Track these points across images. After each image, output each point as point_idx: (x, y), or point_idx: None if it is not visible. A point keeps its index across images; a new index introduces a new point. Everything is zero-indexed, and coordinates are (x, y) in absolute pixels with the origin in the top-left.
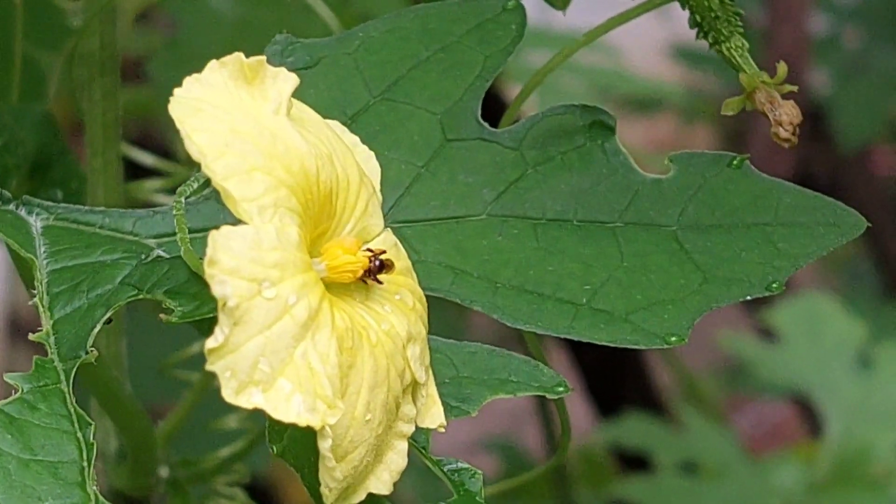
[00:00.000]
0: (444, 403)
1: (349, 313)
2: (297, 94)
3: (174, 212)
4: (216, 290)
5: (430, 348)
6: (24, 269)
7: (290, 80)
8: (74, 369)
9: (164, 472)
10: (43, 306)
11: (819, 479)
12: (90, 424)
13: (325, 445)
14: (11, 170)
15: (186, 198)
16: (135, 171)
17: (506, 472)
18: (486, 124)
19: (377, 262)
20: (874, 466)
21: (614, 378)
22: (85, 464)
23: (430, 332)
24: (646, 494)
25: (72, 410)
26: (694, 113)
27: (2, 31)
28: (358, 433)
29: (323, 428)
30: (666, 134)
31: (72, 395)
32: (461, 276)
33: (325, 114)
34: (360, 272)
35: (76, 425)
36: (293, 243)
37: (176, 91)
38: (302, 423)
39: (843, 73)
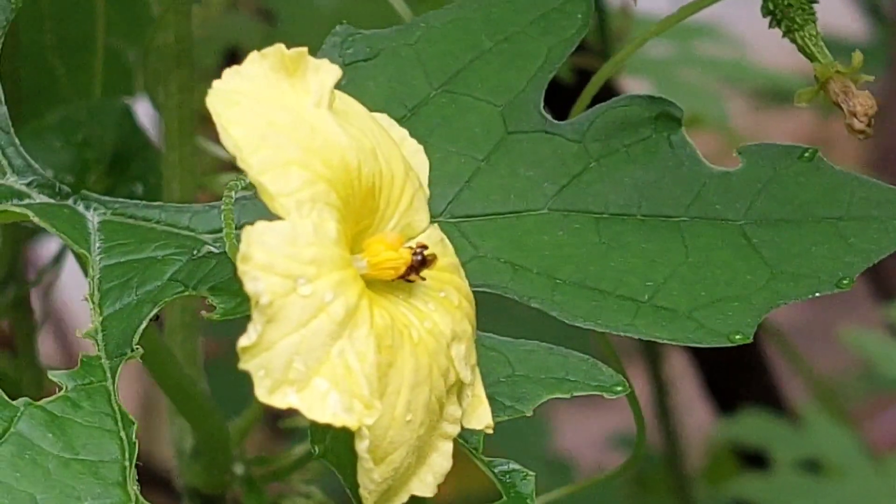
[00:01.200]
0: (498, 403)
1: (390, 311)
2: (356, 86)
3: (223, 206)
4: (248, 286)
5: (484, 346)
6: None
7: (332, 72)
8: (120, 367)
9: (239, 469)
10: (93, 303)
11: None
12: (133, 423)
13: (362, 446)
14: (91, 165)
15: (238, 192)
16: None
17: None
18: (548, 116)
19: (419, 258)
20: None
21: (735, 375)
22: (126, 463)
23: (490, 330)
24: (763, 492)
25: (116, 409)
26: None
27: (83, 23)
28: (398, 434)
29: (360, 428)
30: (807, 128)
31: (117, 392)
32: (520, 272)
33: (385, 106)
34: (403, 269)
35: (119, 424)
36: (331, 239)
37: (215, 83)
38: (338, 423)
39: None
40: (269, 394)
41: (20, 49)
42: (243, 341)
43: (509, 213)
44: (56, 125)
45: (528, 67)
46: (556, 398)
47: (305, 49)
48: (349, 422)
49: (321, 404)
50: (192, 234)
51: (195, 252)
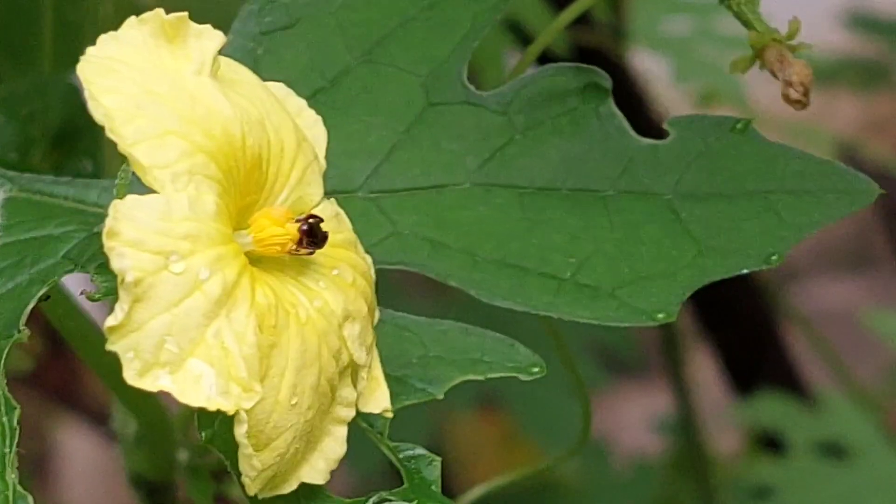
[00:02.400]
0: (409, 385)
1: (276, 289)
2: (274, 55)
3: (118, 181)
4: (115, 263)
5: (397, 326)
6: None
7: (215, 39)
8: (7, 350)
9: (183, 455)
10: None
11: None
12: (15, 408)
13: (240, 431)
14: (36, 141)
15: None
16: None
17: (674, 452)
18: (472, 87)
19: (306, 228)
20: None
21: (753, 358)
22: (7, 450)
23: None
24: (778, 476)
25: (0, 393)
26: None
27: None
28: (282, 418)
29: (238, 413)
30: (888, 112)
31: (3, 376)
32: (439, 248)
33: (303, 76)
34: (290, 245)
35: (2, 409)
36: (209, 213)
37: (88, 49)
38: (212, 407)
39: None
40: (140, 377)
41: None
42: (110, 321)
43: (430, 188)
44: None
45: (452, 36)
46: (508, 377)
47: (185, 14)
48: (225, 406)
49: (195, 387)
50: (100, 210)
51: (94, 229)
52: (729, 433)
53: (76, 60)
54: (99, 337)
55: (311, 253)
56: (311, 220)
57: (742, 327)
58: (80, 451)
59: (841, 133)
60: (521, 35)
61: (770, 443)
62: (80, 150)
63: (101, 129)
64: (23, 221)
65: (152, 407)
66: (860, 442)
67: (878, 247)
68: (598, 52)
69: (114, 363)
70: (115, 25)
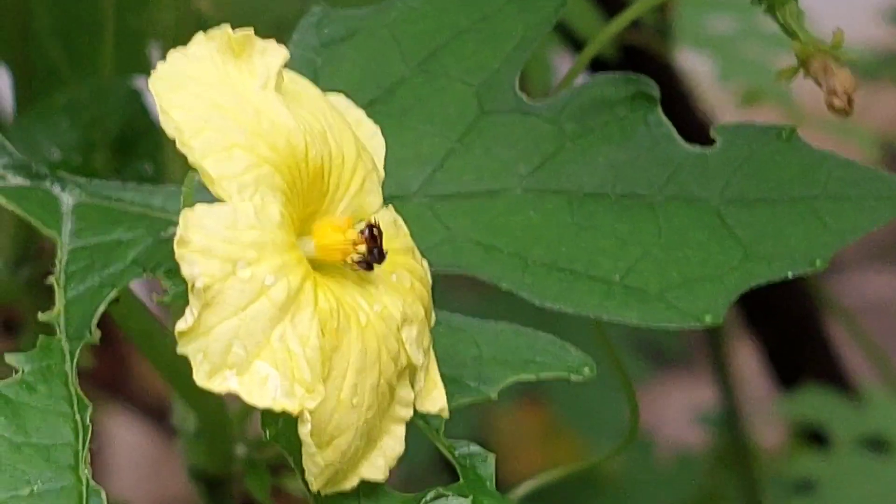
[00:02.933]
0: (463, 385)
1: (337, 294)
2: (332, 66)
3: (184, 187)
4: (185, 270)
5: (451, 327)
6: None
7: (279, 54)
8: (79, 349)
9: (241, 450)
10: (59, 285)
11: None
12: (87, 406)
13: (304, 430)
14: (98, 145)
15: None
16: None
17: (713, 446)
18: (524, 96)
19: (368, 235)
20: None
21: (796, 352)
22: (80, 447)
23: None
24: (820, 470)
25: (72, 391)
26: None
27: (92, 2)
28: (344, 418)
29: (302, 413)
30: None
31: (75, 375)
32: (491, 252)
33: (360, 86)
34: (350, 251)
35: (75, 407)
36: (274, 222)
37: (158, 65)
38: (278, 407)
39: None
40: (208, 378)
41: (29, 30)
42: (180, 325)
43: (483, 194)
44: (62, 106)
45: (504, 47)
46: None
47: (251, 30)
48: (290, 406)
49: (261, 389)
50: (165, 215)
51: (161, 234)
52: (772, 427)
53: (137, 66)
54: (160, 335)
55: (370, 268)
56: (372, 229)
57: (785, 321)
58: (128, 442)
59: (883, 127)
60: (567, 36)
61: (813, 437)
62: (141, 154)
63: (160, 132)
64: (92, 226)
65: (211, 402)
66: None
67: None
68: (643, 53)
69: (175, 360)
70: (176, 32)
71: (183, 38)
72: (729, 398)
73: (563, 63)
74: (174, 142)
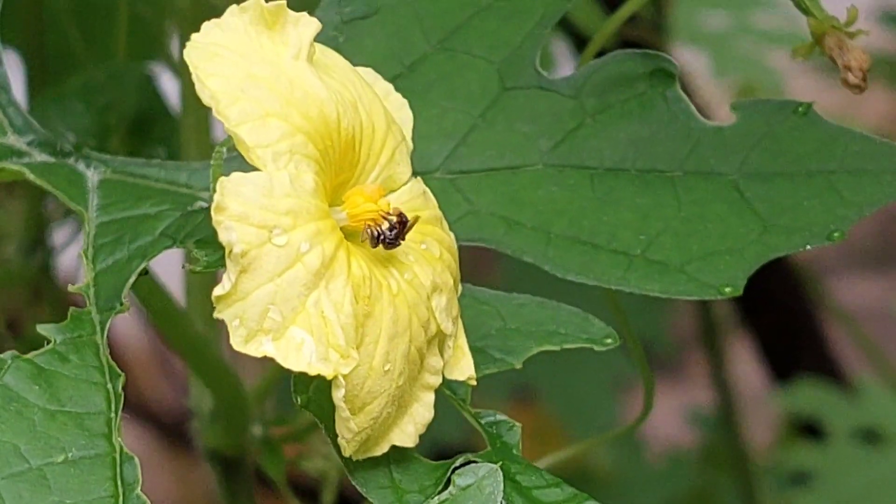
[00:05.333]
0: (488, 355)
1: (369, 262)
2: (354, 42)
3: (213, 162)
4: (222, 236)
5: (476, 300)
6: None
7: (311, 25)
8: (110, 320)
9: (257, 430)
10: (87, 258)
11: None
12: (119, 375)
13: (338, 395)
14: (112, 128)
15: (231, 149)
16: None
17: (703, 445)
18: (544, 73)
19: (398, 216)
20: None
21: (791, 346)
22: (112, 415)
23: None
24: (816, 462)
25: (104, 361)
26: None
27: None
28: (376, 384)
29: (336, 377)
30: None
31: (105, 345)
32: (514, 226)
33: (382, 63)
34: (381, 220)
35: (107, 376)
36: (308, 190)
37: (193, 36)
38: (313, 372)
39: None
40: (245, 343)
41: (42, 15)
42: (218, 290)
43: (505, 169)
44: (78, 89)
45: (525, 24)
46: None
47: (284, 2)
48: (325, 371)
49: (297, 353)
50: (189, 191)
51: (188, 208)
52: (764, 424)
53: (150, 50)
54: (179, 316)
55: (384, 243)
56: (402, 214)
57: (780, 317)
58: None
59: (872, 127)
60: (563, 27)
61: (806, 430)
62: (155, 138)
63: (173, 117)
64: (118, 201)
65: (228, 382)
66: None
67: None
68: (639, 47)
69: (193, 340)
70: (192, 17)
71: (197, 23)
72: (724, 394)
73: (559, 53)
74: (188, 125)
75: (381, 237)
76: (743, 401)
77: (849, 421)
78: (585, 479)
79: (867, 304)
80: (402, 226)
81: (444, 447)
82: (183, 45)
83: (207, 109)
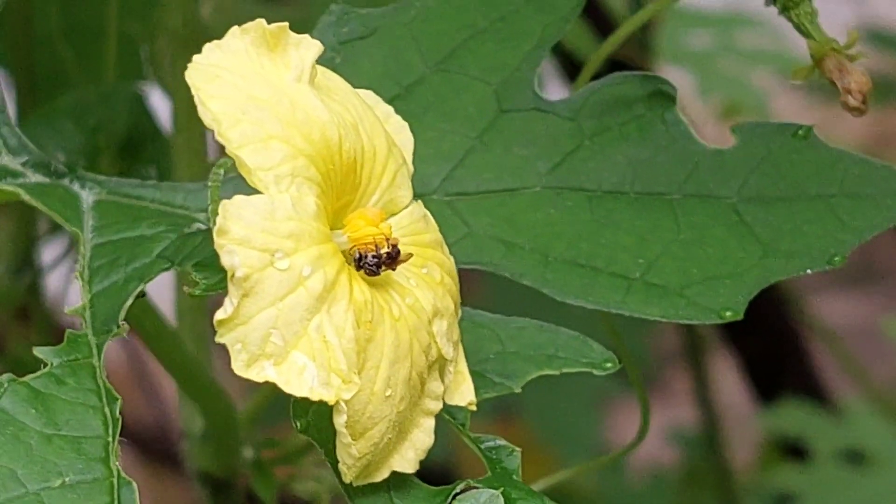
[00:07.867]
0: (487, 379)
1: (370, 286)
2: (351, 64)
3: (210, 183)
4: (224, 260)
5: (475, 323)
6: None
7: (313, 48)
8: (106, 343)
9: (248, 452)
10: (83, 280)
11: None
12: (117, 399)
13: (340, 421)
14: (103, 149)
15: (229, 170)
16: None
17: (685, 464)
18: (542, 94)
19: (391, 247)
20: None
21: (775, 365)
22: (110, 439)
23: (480, 308)
24: (800, 483)
25: (101, 384)
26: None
27: (94, 8)
28: (377, 409)
29: (338, 403)
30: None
31: (102, 368)
32: (512, 249)
33: (379, 84)
34: (384, 244)
35: (104, 400)
36: (310, 213)
37: (195, 57)
38: (315, 397)
39: None
40: (246, 367)
41: (32, 35)
42: (220, 315)
43: (502, 191)
44: (68, 109)
45: (523, 46)
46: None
47: (286, 24)
48: (326, 396)
49: (298, 378)
50: (185, 212)
51: (185, 229)
52: (744, 445)
53: (140, 71)
54: (171, 338)
55: (366, 269)
56: (395, 246)
57: (764, 335)
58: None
59: (855, 145)
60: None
61: (790, 451)
62: (145, 158)
63: (164, 136)
64: (114, 223)
65: (219, 404)
66: (881, 449)
67: (885, 261)
68: (626, 66)
69: (185, 362)
70: (183, 36)
71: (189, 43)
72: (707, 412)
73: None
74: (180, 145)
75: (363, 262)
76: (726, 420)
77: (833, 442)
78: (568, 498)
79: (851, 322)
80: (389, 257)
81: (426, 467)
82: (174, 65)
83: (199, 129)
